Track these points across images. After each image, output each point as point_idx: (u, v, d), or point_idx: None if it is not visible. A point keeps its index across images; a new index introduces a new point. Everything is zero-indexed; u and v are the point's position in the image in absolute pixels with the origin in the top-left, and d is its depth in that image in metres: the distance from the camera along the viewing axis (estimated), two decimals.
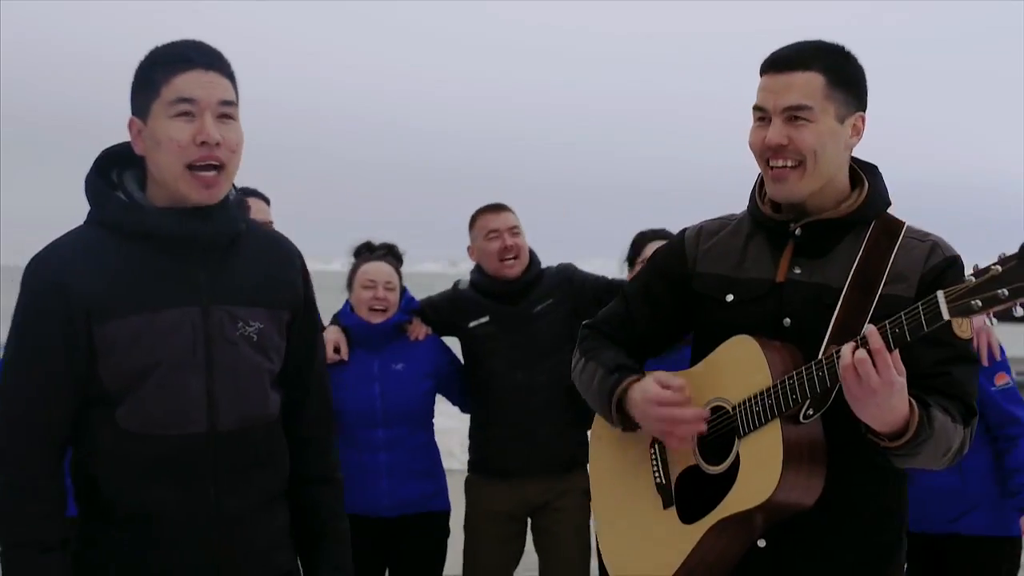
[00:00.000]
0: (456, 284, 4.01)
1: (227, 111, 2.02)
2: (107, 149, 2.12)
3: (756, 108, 2.08)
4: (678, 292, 2.21)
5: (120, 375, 1.98)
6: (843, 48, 2.09)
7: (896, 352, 1.84)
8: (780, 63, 2.06)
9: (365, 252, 3.87)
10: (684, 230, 2.28)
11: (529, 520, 3.91)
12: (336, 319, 3.80)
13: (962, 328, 2.01)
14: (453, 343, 3.95)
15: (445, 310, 3.92)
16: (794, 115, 2.03)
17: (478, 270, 3.94)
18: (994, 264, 1.76)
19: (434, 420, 3.88)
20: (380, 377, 3.72)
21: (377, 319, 3.73)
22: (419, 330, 3.84)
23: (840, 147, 2.08)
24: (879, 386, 1.82)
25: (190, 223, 2.02)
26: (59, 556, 1.98)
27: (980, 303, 1.75)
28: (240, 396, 2.05)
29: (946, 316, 1.78)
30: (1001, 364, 3.35)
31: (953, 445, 1.96)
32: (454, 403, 4.04)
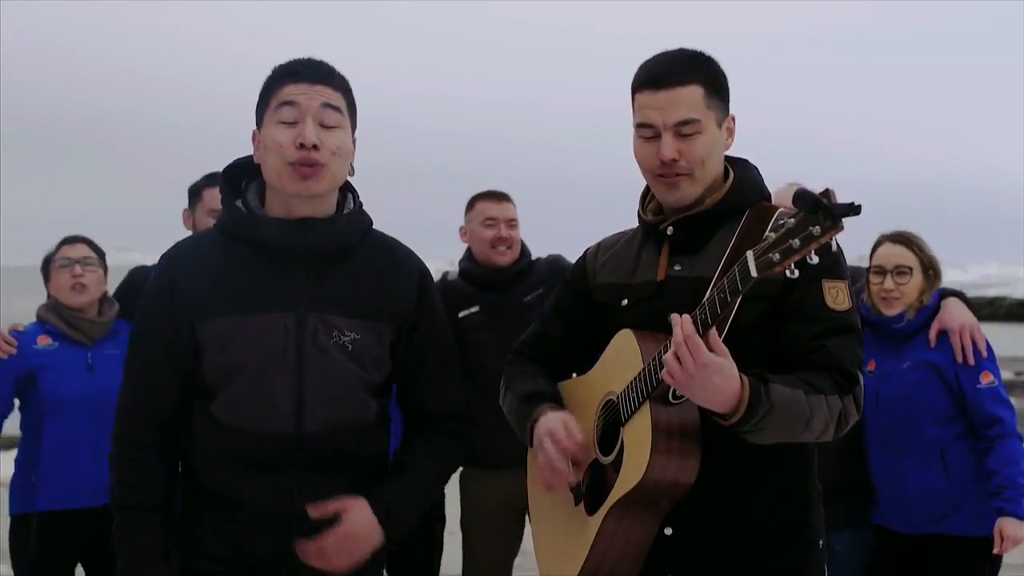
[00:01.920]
0: (445, 275, 4.01)
1: (330, 119, 2.13)
2: (238, 160, 2.26)
3: (643, 126, 2.15)
4: (584, 306, 2.32)
5: (216, 370, 2.13)
6: (710, 56, 2.18)
7: (712, 332, 1.92)
8: (662, 80, 2.12)
9: None
10: (587, 249, 2.39)
11: (527, 515, 3.89)
12: None
13: (837, 300, 2.07)
14: None
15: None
16: (683, 130, 2.11)
17: (468, 258, 3.96)
18: (788, 218, 1.84)
19: None
20: None
21: None
22: None
23: (720, 150, 2.18)
24: (695, 370, 1.88)
25: (295, 232, 2.14)
26: (154, 516, 2.16)
27: (778, 256, 1.82)
28: (329, 401, 2.15)
29: (754, 273, 1.85)
30: (988, 362, 3.37)
31: (815, 416, 1.99)
32: None
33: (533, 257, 3.98)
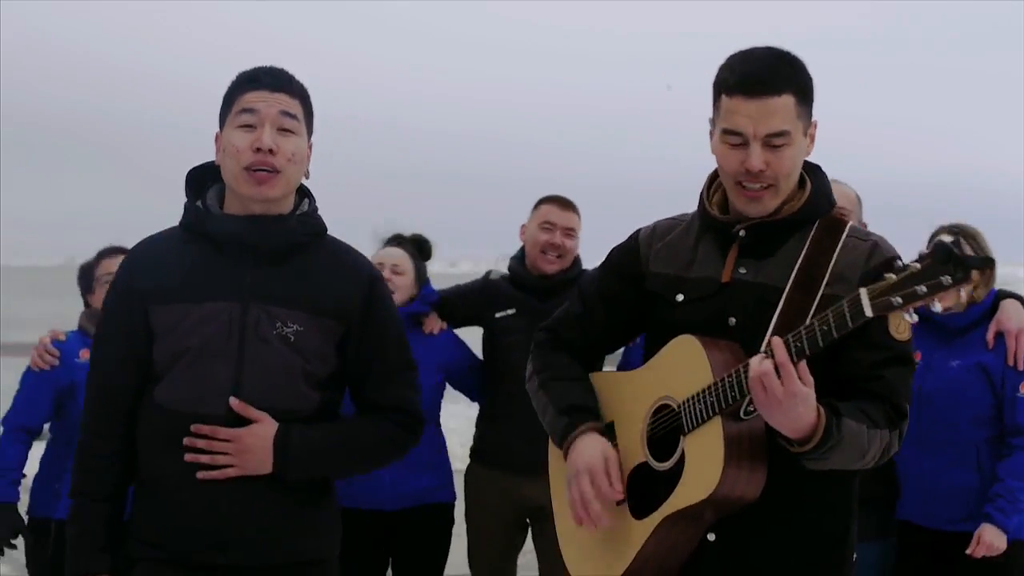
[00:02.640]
0: (488, 274, 4.00)
1: (287, 125, 2.24)
2: (203, 164, 2.35)
3: (731, 132, 2.09)
4: (632, 291, 2.25)
5: (163, 356, 2.23)
6: (800, 60, 2.12)
7: (803, 363, 1.89)
8: (755, 88, 2.06)
9: (389, 242, 3.92)
10: (638, 230, 2.31)
11: (529, 518, 3.88)
12: None
13: (899, 330, 2.04)
14: (474, 334, 3.92)
15: (474, 298, 3.92)
16: (772, 141, 2.06)
17: (517, 258, 3.93)
18: (914, 261, 1.81)
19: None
20: None
21: None
22: (434, 324, 3.83)
23: (802, 158, 2.14)
24: (783, 397, 1.87)
25: (244, 227, 2.24)
26: (106, 506, 2.26)
27: (900, 299, 1.80)
28: (267, 389, 2.22)
29: (869, 313, 1.82)
30: None
31: (871, 449, 2.00)
32: (470, 397, 4.03)
33: (583, 268, 3.92)
